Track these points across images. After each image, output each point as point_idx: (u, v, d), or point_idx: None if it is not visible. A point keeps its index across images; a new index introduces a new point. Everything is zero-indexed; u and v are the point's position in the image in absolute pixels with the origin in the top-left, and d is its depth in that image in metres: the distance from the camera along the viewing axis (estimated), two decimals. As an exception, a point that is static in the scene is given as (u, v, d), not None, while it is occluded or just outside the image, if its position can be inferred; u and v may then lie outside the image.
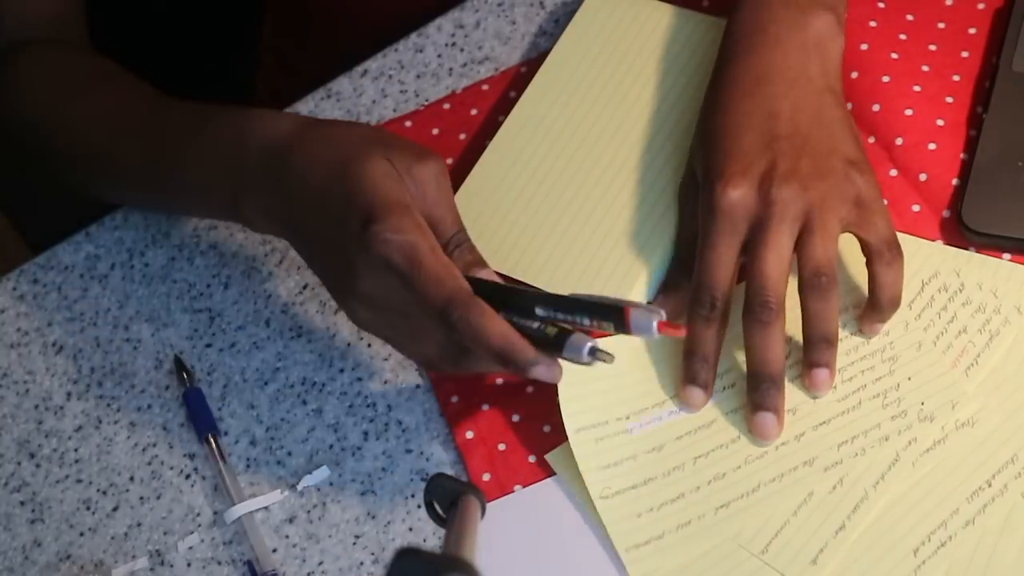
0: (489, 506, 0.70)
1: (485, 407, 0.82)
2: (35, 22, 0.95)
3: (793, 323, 0.78)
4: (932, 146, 0.83)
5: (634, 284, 0.81)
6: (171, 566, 0.83)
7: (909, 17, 0.89)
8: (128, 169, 0.89)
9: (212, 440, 0.85)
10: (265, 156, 0.78)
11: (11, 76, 0.93)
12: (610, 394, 0.80)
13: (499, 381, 0.82)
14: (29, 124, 0.93)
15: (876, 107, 0.85)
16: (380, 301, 0.74)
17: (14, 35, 0.94)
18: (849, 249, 0.80)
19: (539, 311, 0.72)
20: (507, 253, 0.84)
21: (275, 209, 0.78)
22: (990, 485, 0.73)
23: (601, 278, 0.81)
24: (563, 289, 0.78)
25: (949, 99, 0.84)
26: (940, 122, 0.83)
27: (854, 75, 0.86)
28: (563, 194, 0.85)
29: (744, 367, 0.79)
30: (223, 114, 0.82)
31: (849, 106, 0.85)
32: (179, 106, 0.87)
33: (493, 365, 0.72)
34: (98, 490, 0.87)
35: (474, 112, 0.93)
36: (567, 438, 0.78)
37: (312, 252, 0.78)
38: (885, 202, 0.78)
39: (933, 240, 0.81)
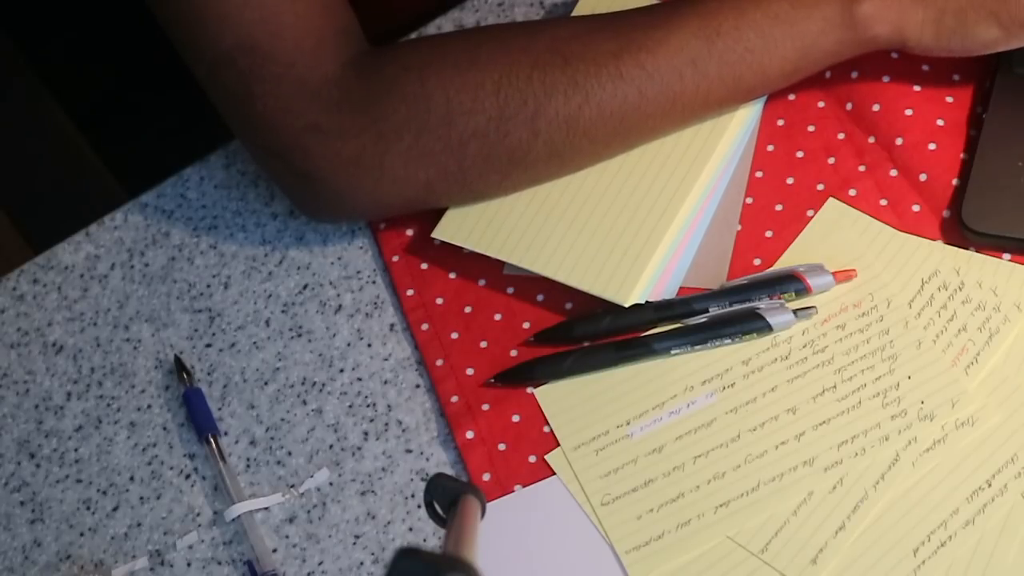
0: (489, 506, 0.70)
1: (485, 407, 0.82)
2: (347, 39, 0.85)
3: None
4: (932, 146, 0.83)
5: (640, 275, 0.81)
6: (171, 566, 0.83)
7: (909, 17, 0.88)
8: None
9: (212, 440, 0.85)
10: None
11: (407, 64, 0.83)
12: (609, 405, 0.80)
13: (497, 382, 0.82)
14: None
15: (876, 107, 0.85)
16: None
17: (342, 55, 0.84)
18: (846, 249, 0.80)
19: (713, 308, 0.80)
20: (515, 243, 0.83)
21: None
22: (990, 485, 0.73)
23: (607, 271, 0.81)
24: (566, 275, 0.80)
25: (949, 99, 0.84)
26: (940, 122, 0.83)
27: (854, 75, 0.86)
28: (567, 186, 0.85)
29: (744, 368, 0.79)
30: None
31: (849, 106, 0.85)
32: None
33: None
34: (98, 490, 0.87)
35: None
36: (567, 438, 0.78)
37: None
38: None
39: (933, 240, 0.81)
